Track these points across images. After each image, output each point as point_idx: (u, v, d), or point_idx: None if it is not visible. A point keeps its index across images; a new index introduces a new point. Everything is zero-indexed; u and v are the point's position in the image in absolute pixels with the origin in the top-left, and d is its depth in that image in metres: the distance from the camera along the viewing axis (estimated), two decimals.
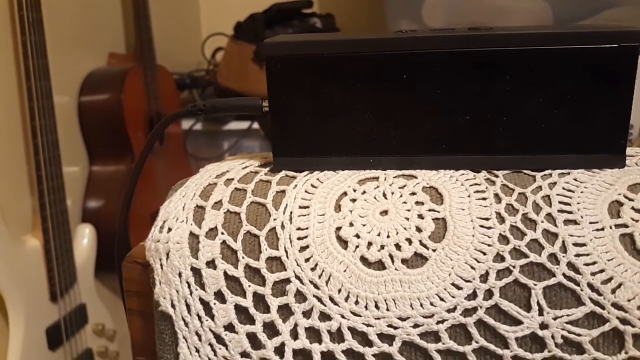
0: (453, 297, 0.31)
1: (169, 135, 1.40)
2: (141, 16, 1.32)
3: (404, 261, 0.32)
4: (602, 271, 0.30)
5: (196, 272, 0.34)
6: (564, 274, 0.31)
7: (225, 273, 0.34)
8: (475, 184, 0.34)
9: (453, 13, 1.11)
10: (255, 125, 1.41)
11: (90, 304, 1.14)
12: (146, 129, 1.29)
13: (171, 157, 1.41)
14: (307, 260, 0.33)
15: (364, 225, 0.33)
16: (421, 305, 0.31)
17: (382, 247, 0.32)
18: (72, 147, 1.19)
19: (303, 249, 0.33)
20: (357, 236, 0.33)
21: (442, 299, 0.31)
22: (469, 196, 0.34)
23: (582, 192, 0.33)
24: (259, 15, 1.39)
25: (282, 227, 0.34)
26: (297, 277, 0.33)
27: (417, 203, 0.34)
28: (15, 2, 0.98)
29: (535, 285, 0.31)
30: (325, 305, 0.32)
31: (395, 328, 0.32)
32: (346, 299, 0.32)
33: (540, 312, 0.31)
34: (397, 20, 1.20)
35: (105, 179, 1.23)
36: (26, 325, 0.99)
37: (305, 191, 0.35)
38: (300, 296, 0.33)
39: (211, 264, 0.34)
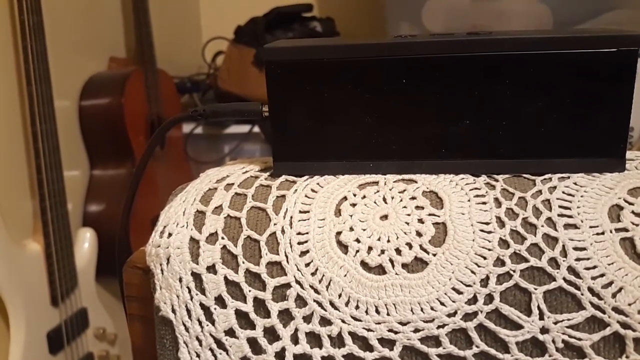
0: (453, 301, 0.31)
1: (169, 139, 1.40)
2: (141, 20, 1.32)
3: (404, 266, 0.32)
4: (602, 275, 0.30)
5: (197, 277, 0.34)
6: (564, 278, 0.31)
7: (225, 278, 0.34)
8: (475, 189, 0.34)
9: (453, 17, 1.11)
10: (256, 129, 1.41)
11: (91, 308, 1.14)
12: (147, 133, 1.29)
13: (172, 161, 1.41)
14: (307, 265, 0.33)
15: (364, 229, 0.33)
16: (422, 309, 0.31)
17: (383, 251, 0.32)
18: (72, 151, 1.19)
19: (303, 253, 0.33)
20: (358, 241, 0.33)
21: (442, 304, 0.31)
22: (469, 200, 0.34)
23: (582, 196, 0.33)
24: (260, 19, 1.40)
25: (283, 231, 0.34)
26: (298, 282, 0.33)
27: (417, 207, 0.34)
28: (16, 7, 0.98)
29: (535, 289, 0.31)
30: (325, 310, 0.32)
31: (396, 333, 0.32)
32: (346, 304, 0.32)
33: (541, 317, 0.31)
34: (397, 24, 1.20)
35: (106, 183, 1.23)
36: (27, 329, 0.99)
37: (306, 196, 0.35)
38: (301, 301, 0.33)
39: (211, 269, 0.34)
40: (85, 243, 1.16)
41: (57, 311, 1.05)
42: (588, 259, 0.31)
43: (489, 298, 0.31)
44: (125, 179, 1.23)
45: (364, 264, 0.32)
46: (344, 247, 0.33)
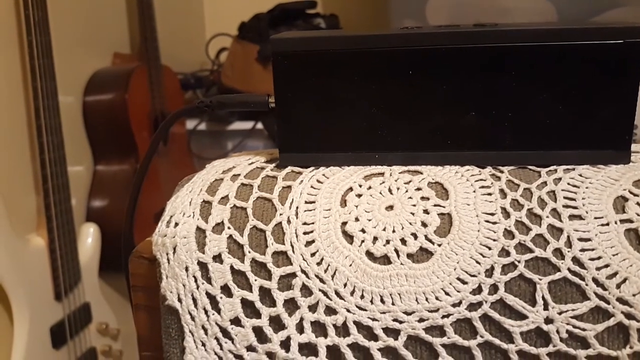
0: (458, 291, 0.31)
1: (173, 135, 1.40)
2: (146, 16, 1.32)
3: (409, 256, 0.32)
4: (607, 266, 0.31)
5: (203, 266, 0.34)
6: (569, 269, 0.31)
7: (231, 267, 0.34)
8: (481, 180, 0.34)
9: (457, 13, 1.11)
10: (259, 125, 1.42)
11: (95, 303, 1.15)
12: (151, 129, 1.29)
13: (175, 157, 1.41)
14: (313, 254, 0.33)
15: (369, 220, 0.33)
16: (426, 299, 0.32)
17: (388, 241, 0.32)
18: (77, 146, 1.19)
19: (309, 243, 0.33)
20: (363, 231, 0.33)
21: (447, 294, 0.31)
22: (474, 191, 0.34)
23: (587, 188, 0.33)
24: (263, 15, 1.40)
25: (288, 221, 0.34)
26: (303, 272, 0.33)
27: (422, 198, 0.34)
28: (21, 2, 0.99)
29: (540, 279, 0.31)
30: (330, 300, 0.32)
31: (401, 322, 0.32)
32: (352, 293, 0.32)
33: (545, 307, 0.31)
34: (401, 21, 1.20)
35: (109, 178, 1.24)
36: (30, 323, 0.99)
37: (311, 186, 0.36)
38: (306, 290, 0.33)
39: (218, 258, 0.34)
40: (89, 238, 1.16)
41: (61, 306, 1.06)
42: (593, 249, 0.31)
43: (494, 288, 0.31)
44: (128, 174, 1.23)
45: (369, 254, 0.32)
46: (349, 237, 0.33)
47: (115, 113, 1.21)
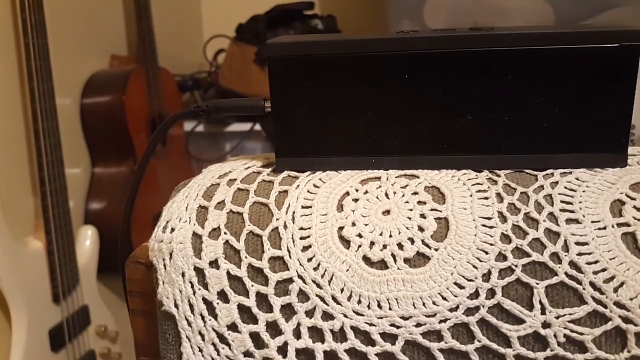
0: (455, 296, 0.31)
1: (171, 137, 1.40)
2: (143, 18, 1.32)
3: (406, 260, 0.32)
4: (604, 270, 0.31)
5: (199, 272, 0.34)
6: (566, 273, 0.31)
7: (228, 273, 0.34)
8: (477, 184, 0.34)
9: (454, 14, 1.11)
10: (257, 127, 1.42)
11: (93, 306, 1.15)
12: (148, 131, 1.29)
13: (173, 159, 1.41)
14: (309, 259, 0.33)
15: (366, 224, 0.33)
16: (423, 304, 0.31)
17: (385, 246, 0.32)
18: (74, 148, 1.19)
19: (306, 248, 0.33)
20: (360, 236, 0.33)
21: (444, 298, 0.31)
22: (471, 195, 0.34)
23: (584, 191, 0.33)
24: (261, 16, 1.40)
25: (285, 227, 0.34)
26: (300, 277, 0.33)
27: (419, 202, 0.34)
28: (18, 5, 0.98)
29: (537, 284, 0.31)
30: (327, 305, 0.32)
31: (398, 327, 0.32)
32: (349, 299, 0.32)
33: (543, 311, 0.31)
34: (399, 22, 1.20)
35: (107, 180, 1.24)
36: (29, 326, 0.99)
37: (308, 191, 0.35)
38: (303, 295, 0.33)
39: (214, 263, 0.34)
40: (87, 240, 1.16)
41: (59, 308, 1.06)
42: (590, 253, 0.31)
43: (491, 293, 0.31)
44: (126, 176, 1.23)
45: (366, 259, 0.32)
46: (346, 242, 0.33)
47: (113, 115, 1.21)
